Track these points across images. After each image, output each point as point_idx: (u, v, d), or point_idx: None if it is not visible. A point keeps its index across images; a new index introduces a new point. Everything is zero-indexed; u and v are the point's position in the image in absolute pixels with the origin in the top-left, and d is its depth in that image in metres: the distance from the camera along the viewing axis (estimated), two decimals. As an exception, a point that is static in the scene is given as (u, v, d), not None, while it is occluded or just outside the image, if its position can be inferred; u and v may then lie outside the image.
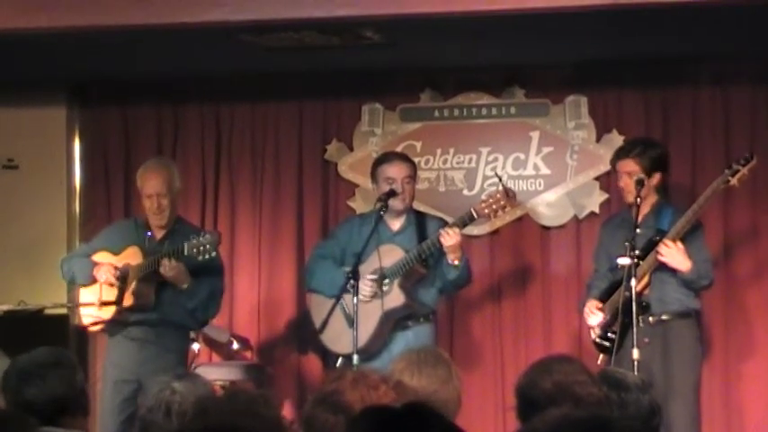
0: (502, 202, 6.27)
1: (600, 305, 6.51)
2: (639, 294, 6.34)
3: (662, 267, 6.39)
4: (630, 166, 6.48)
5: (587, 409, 2.93)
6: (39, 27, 6.36)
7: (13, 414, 3.47)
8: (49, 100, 8.11)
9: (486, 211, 6.30)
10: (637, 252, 6.30)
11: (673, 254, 6.31)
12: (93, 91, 8.18)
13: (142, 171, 6.66)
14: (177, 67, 7.66)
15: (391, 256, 6.45)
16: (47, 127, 8.14)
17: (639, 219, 6.49)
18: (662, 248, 6.31)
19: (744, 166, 6.36)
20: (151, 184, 6.55)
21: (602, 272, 6.67)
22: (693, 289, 6.47)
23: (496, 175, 6.72)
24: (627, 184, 6.48)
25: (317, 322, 6.53)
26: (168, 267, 6.32)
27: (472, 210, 6.32)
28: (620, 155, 6.59)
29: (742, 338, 7.36)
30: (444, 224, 6.46)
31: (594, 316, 6.52)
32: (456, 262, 6.35)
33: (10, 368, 3.99)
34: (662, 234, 6.38)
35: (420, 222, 6.62)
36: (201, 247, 6.21)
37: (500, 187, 6.39)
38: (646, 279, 6.39)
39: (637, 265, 6.27)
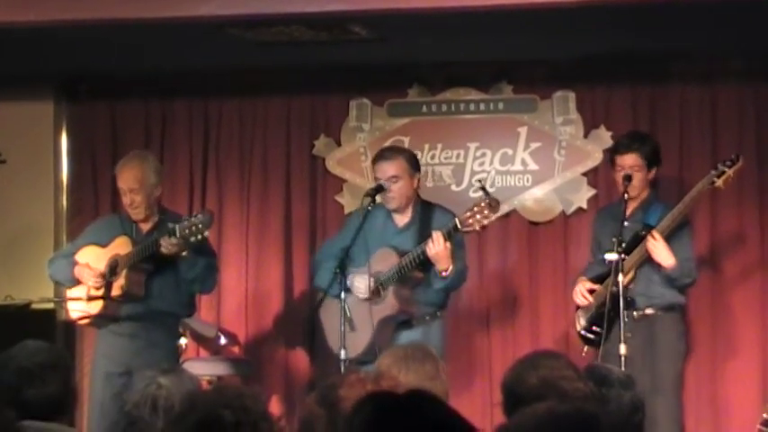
0: (486, 212, 6.14)
1: (592, 287, 6.52)
2: (624, 289, 6.37)
3: (647, 262, 6.42)
4: (634, 160, 6.51)
5: (572, 404, 2.93)
6: (26, 22, 6.35)
7: None
8: (36, 95, 8.09)
9: (471, 221, 6.15)
10: (623, 245, 6.35)
11: (659, 248, 6.33)
12: (80, 86, 8.17)
13: (118, 166, 6.68)
14: (165, 61, 7.65)
15: (386, 262, 6.40)
16: (34, 122, 8.12)
17: (628, 212, 6.52)
18: (649, 243, 6.33)
19: (729, 167, 6.36)
20: (123, 180, 6.57)
21: (598, 259, 6.66)
22: (676, 286, 6.50)
23: (480, 184, 6.64)
24: (632, 178, 6.48)
25: (325, 321, 6.50)
26: (169, 244, 6.26)
27: (457, 221, 6.20)
28: (620, 149, 6.59)
29: (728, 338, 7.37)
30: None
31: (582, 299, 6.54)
32: (444, 274, 6.27)
33: (8, 363, 3.95)
34: (648, 229, 6.40)
35: (425, 217, 6.53)
36: (194, 227, 6.16)
37: (483, 197, 6.24)
38: (631, 274, 6.40)
39: (623, 260, 6.30)
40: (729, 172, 6.35)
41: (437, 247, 6.17)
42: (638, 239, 6.40)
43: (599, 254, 6.59)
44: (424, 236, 6.36)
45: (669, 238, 6.38)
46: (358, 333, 6.27)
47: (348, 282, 6.34)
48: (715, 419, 7.32)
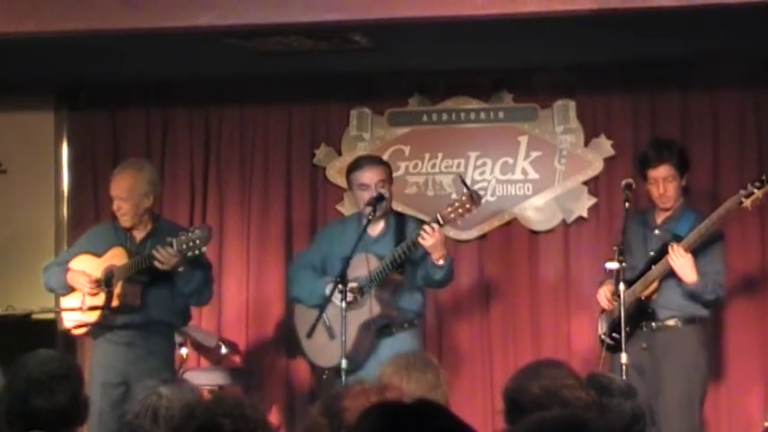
0: (467, 206, 6.16)
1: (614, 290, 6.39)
2: (647, 300, 6.34)
3: (672, 273, 6.34)
4: (667, 171, 6.42)
5: (565, 411, 2.94)
6: (27, 31, 6.36)
7: None
8: (37, 104, 8.10)
9: (453, 216, 6.18)
10: (651, 253, 6.37)
11: (682, 263, 6.26)
12: (81, 95, 8.18)
13: (114, 173, 6.69)
14: (166, 71, 7.65)
15: (365, 267, 6.35)
16: (35, 131, 8.13)
17: (660, 221, 6.48)
18: (671, 256, 6.26)
19: (759, 189, 6.24)
20: (114, 187, 6.59)
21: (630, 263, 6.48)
22: (698, 302, 6.41)
23: (460, 178, 6.67)
24: (666, 190, 6.42)
25: (300, 332, 6.51)
26: (164, 256, 6.28)
27: (438, 216, 6.20)
28: (652, 162, 6.47)
29: (729, 347, 7.35)
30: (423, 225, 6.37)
31: (606, 301, 6.46)
32: (441, 261, 6.24)
33: (18, 371, 3.95)
34: (677, 239, 6.32)
35: (400, 226, 6.53)
36: (191, 243, 6.20)
37: (464, 190, 6.26)
38: (654, 285, 6.36)
39: (648, 268, 6.32)
40: (758, 193, 6.24)
41: (435, 235, 6.16)
42: (665, 250, 6.32)
43: (629, 258, 6.42)
44: (399, 243, 6.35)
45: (698, 253, 6.29)
46: (338, 341, 6.22)
47: (328, 290, 6.31)
48: (717, 427, 7.31)
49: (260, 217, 7.94)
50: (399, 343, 6.32)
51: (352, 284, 6.27)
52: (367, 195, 6.39)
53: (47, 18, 6.32)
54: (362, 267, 6.32)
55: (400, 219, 6.61)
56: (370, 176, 6.46)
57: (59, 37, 6.42)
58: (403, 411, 2.49)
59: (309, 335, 6.39)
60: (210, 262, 6.81)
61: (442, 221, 6.19)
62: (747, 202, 6.27)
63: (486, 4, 5.93)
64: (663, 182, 6.44)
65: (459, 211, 6.18)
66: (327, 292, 6.26)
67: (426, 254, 6.27)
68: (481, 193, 7.43)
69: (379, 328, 6.41)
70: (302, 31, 6.47)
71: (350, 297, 6.27)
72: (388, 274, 6.32)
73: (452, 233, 7.38)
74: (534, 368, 3.75)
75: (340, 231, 6.60)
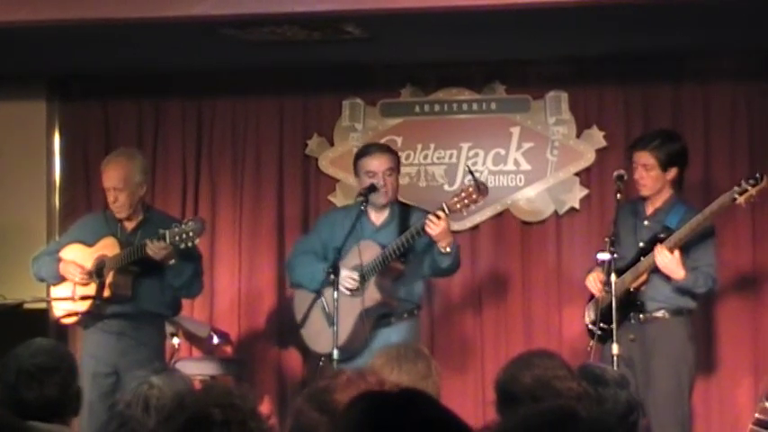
0: (474, 196, 6.16)
1: (604, 279, 6.36)
2: (636, 291, 6.33)
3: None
4: (645, 159, 6.40)
5: (554, 402, 2.94)
6: (19, 20, 6.34)
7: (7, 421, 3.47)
8: (29, 94, 8.08)
9: (459, 206, 6.19)
10: (641, 244, 6.34)
11: (666, 263, 6.24)
12: (73, 85, 8.16)
13: (104, 163, 6.67)
14: (158, 61, 7.64)
15: (368, 253, 6.37)
16: (27, 121, 8.11)
17: (650, 211, 6.47)
18: (657, 255, 6.25)
19: (753, 186, 6.20)
20: (107, 178, 6.57)
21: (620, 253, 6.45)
22: (688, 295, 6.39)
23: (468, 169, 6.68)
24: (642, 177, 6.40)
25: (299, 317, 6.52)
26: (157, 248, 6.28)
27: (444, 205, 6.20)
28: (636, 146, 6.49)
29: (719, 339, 7.36)
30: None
31: (594, 286, 6.45)
32: (448, 249, 6.24)
33: (9, 362, 3.95)
34: (667, 231, 6.31)
35: (404, 216, 6.53)
36: (184, 235, 6.20)
37: (471, 181, 6.28)
38: (644, 276, 6.34)
39: (637, 259, 6.30)
40: (752, 191, 6.20)
41: (440, 224, 6.15)
42: (655, 241, 6.30)
43: (619, 247, 6.36)
44: (403, 233, 6.35)
45: (691, 247, 6.29)
46: (334, 329, 6.22)
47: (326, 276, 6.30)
48: (707, 419, 7.32)
49: (252, 207, 7.94)
50: (396, 333, 6.33)
51: (348, 272, 6.28)
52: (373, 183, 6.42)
53: (40, 7, 6.31)
54: (364, 254, 6.33)
55: (404, 209, 6.61)
56: (378, 164, 6.46)
57: (52, 26, 6.40)
58: (389, 400, 2.48)
59: (303, 321, 6.40)
60: (201, 253, 6.80)
61: (447, 211, 6.19)
62: (741, 199, 6.23)
63: (478, -6, 5.94)
64: (641, 168, 6.43)
65: (466, 201, 6.18)
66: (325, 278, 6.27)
67: (432, 243, 6.27)
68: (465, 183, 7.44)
69: (378, 318, 6.41)
70: (296, 22, 6.46)
71: (352, 284, 6.29)
72: (391, 262, 6.32)
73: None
74: (527, 358, 3.76)
75: (342, 218, 6.58)
